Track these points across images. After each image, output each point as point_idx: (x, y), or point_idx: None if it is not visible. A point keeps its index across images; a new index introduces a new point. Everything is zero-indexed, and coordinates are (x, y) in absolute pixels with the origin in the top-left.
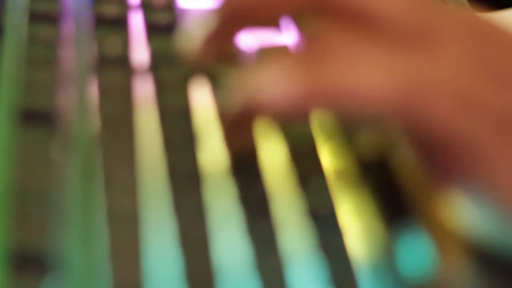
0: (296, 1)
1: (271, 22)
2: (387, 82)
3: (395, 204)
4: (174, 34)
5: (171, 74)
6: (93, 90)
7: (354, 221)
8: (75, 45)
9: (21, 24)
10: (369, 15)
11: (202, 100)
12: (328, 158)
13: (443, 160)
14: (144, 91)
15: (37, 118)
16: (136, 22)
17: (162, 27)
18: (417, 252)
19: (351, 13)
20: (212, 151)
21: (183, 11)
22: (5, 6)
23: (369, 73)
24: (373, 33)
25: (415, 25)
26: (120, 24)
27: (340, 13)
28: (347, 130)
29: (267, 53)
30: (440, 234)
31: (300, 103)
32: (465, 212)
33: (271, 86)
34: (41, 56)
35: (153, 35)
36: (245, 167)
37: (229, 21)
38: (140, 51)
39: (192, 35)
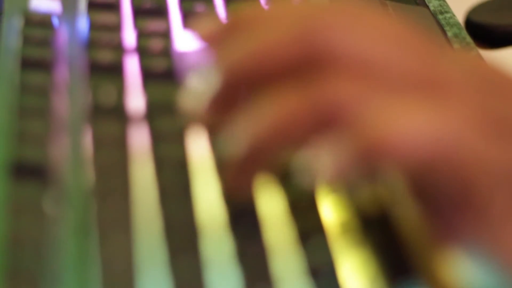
0: (294, 58)
1: (273, 82)
2: (426, 134)
3: (396, 261)
4: (171, 81)
5: (167, 123)
6: (87, 141)
7: (355, 280)
8: (68, 93)
9: (13, 71)
10: (371, 63)
11: (199, 150)
12: (329, 212)
13: (448, 216)
14: (139, 141)
15: (29, 172)
16: (132, 68)
17: (158, 73)
18: None
19: (351, 62)
20: (210, 204)
21: (181, 55)
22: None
23: (406, 126)
24: (380, 82)
25: (422, 74)
26: (115, 70)
27: (340, 63)
28: (349, 183)
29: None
30: None
31: (353, 169)
32: (467, 270)
33: (329, 168)
34: (33, 105)
35: (149, 82)
36: (243, 221)
37: (230, 87)
38: (135, 99)
39: (193, 96)
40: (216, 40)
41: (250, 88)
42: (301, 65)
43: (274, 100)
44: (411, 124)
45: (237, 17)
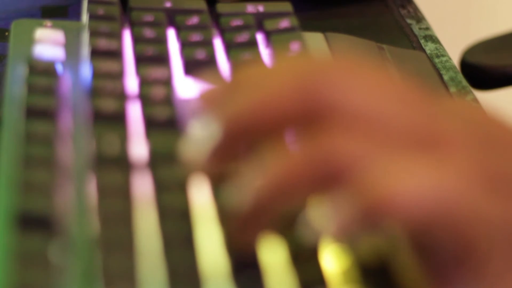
0: (293, 111)
1: (273, 135)
2: (427, 193)
3: None
4: (174, 129)
5: (170, 172)
6: (91, 190)
7: None
8: (73, 141)
9: (18, 120)
10: (371, 118)
11: (202, 199)
12: (330, 263)
13: (447, 270)
14: (143, 189)
15: (35, 222)
16: (135, 116)
17: (161, 122)
18: None
19: (351, 118)
20: (213, 254)
21: (183, 102)
22: (2, 100)
23: (407, 185)
24: (380, 139)
25: (422, 130)
26: (118, 118)
27: (340, 118)
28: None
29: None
30: None
31: (356, 226)
32: None
33: (331, 224)
34: (38, 155)
35: (152, 130)
36: (246, 271)
37: (230, 139)
38: (138, 148)
39: (194, 145)
40: (217, 98)
41: (251, 140)
42: (301, 119)
43: (276, 156)
44: (411, 184)
45: (237, 76)
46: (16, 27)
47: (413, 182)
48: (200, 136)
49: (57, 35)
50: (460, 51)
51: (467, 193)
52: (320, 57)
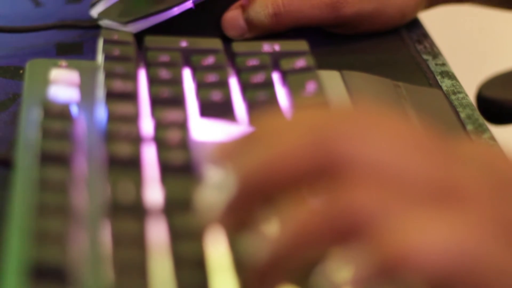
0: (308, 167)
1: (289, 191)
2: (445, 248)
3: None
4: (189, 175)
5: (186, 219)
6: (106, 238)
7: None
8: (87, 188)
9: (32, 166)
10: (387, 172)
11: (218, 249)
12: None
13: None
14: (158, 238)
15: (49, 273)
16: (150, 160)
17: (176, 167)
18: None
19: (366, 172)
20: None
21: (199, 145)
22: (16, 145)
23: (425, 240)
24: (396, 192)
25: (438, 181)
26: (134, 163)
27: (355, 172)
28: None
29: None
30: None
31: (373, 280)
32: None
33: (348, 278)
34: (52, 202)
35: (168, 176)
36: None
37: (245, 195)
38: (154, 194)
39: (210, 195)
40: (234, 151)
41: (267, 195)
42: (317, 174)
43: (293, 210)
44: (428, 239)
45: (254, 129)
46: (31, 67)
47: (429, 237)
48: (216, 187)
49: (72, 76)
50: (476, 84)
51: (482, 245)
52: (336, 108)
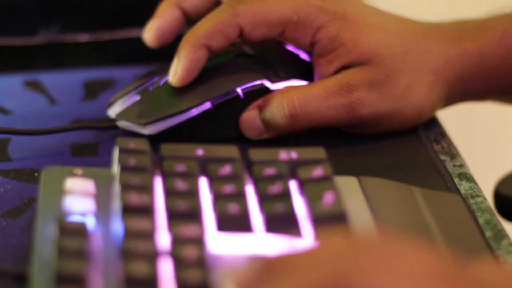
0: None
1: None
2: None
3: None
4: None
5: None
6: None
7: None
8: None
9: (49, 261)
10: None
11: None
12: None
13: None
14: None
15: None
16: (167, 278)
17: (193, 286)
18: None
19: None
20: None
21: (216, 261)
22: (31, 262)
23: None
24: None
25: None
26: (150, 283)
27: None
28: None
29: None
30: None
31: None
32: None
33: None
34: None
35: None
36: None
37: None
38: None
39: None
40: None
41: None
42: None
43: None
44: None
45: (271, 261)
46: (46, 176)
47: None
48: None
49: (88, 186)
50: (494, 180)
51: None
52: (357, 238)
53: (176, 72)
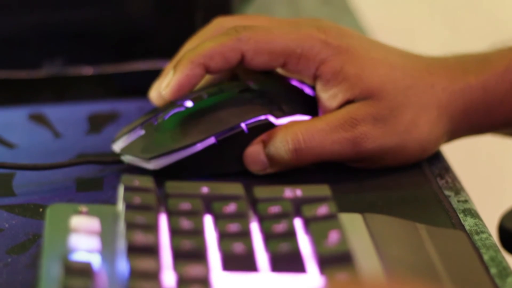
0: None
1: None
2: None
3: None
4: None
5: None
6: None
7: None
8: None
9: None
10: None
11: None
12: None
13: None
14: None
15: None
16: None
17: None
18: None
19: None
20: None
21: None
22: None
23: None
24: None
25: None
26: None
27: None
28: None
29: None
30: None
31: None
32: None
33: None
34: None
35: None
36: None
37: None
38: None
39: None
40: None
41: None
42: None
43: None
44: None
45: None
46: (51, 213)
47: None
48: None
49: (93, 224)
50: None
51: None
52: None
53: (169, 84)
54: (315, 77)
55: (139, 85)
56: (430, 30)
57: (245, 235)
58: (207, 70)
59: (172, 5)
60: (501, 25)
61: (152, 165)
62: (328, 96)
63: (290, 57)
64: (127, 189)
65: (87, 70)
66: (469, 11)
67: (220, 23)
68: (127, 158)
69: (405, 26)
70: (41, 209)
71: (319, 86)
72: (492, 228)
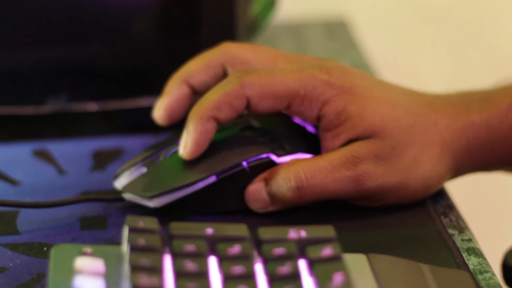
0: None
1: None
2: None
3: None
4: None
5: None
6: None
7: None
8: None
9: None
10: None
11: None
12: None
13: None
14: None
15: None
16: None
17: None
18: None
19: None
20: None
21: None
22: None
23: None
24: None
25: None
26: None
27: None
28: None
29: None
30: None
31: None
32: None
33: None
34: None
35: None
36: None
37: None
38: None
39: None
40: None
41: None
42: None
43: None
44: None
45: None
46: (56, 254)
47: None
48: None
49: (97, 265)
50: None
51: None
52: None
53: (186, 146)
54: (318, 117)
55: (144, 121)
56: (434, 65)
57: (250, 277)
58: (218, 122)
59: (176, 42)
60: (506, 62)
61: (153, 203)
62: (331, 136)
63: (294, 99)
64: (131, 230)
65: (92, 106)
66: (474, 47)
67: (227, 48)
68: (128, 196)
69: (410, 61)
70: (45, 248)
71: (322, 126)
72: (496, 264)
